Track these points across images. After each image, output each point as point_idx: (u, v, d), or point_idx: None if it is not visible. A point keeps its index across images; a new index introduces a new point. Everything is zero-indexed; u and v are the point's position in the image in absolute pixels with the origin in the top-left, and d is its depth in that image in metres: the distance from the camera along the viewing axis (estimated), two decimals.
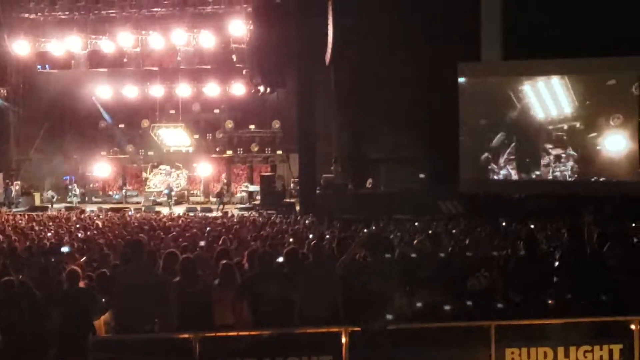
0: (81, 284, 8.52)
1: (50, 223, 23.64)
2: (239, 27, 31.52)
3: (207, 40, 33.00)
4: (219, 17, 30.61)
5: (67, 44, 33.27)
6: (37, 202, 35.61)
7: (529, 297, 8.19)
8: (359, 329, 7.38)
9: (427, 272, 8.60)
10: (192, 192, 37.53)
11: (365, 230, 19.02)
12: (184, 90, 34.63)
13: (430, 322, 7.58)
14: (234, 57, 33.48)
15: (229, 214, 28.76)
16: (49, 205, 33.94)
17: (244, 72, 33.42)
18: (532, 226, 18.70)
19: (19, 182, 35.57)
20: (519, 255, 9.28)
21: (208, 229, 20.71)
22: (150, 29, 31.94)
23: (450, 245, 12.32)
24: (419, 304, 8.10)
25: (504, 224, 20.44)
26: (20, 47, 31.37)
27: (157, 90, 34.94)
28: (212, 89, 34.37)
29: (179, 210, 31.69)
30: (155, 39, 33.05)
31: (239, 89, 34.07)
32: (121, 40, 32.74)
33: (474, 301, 8.02)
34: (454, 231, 17.67)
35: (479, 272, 8.20)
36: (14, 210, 32.39)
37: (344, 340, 7.32)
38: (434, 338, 7.37)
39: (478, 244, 11.05)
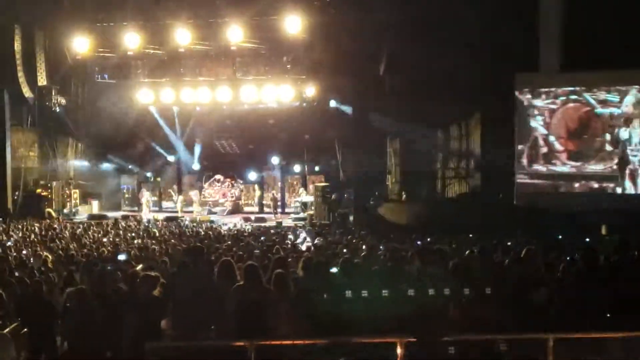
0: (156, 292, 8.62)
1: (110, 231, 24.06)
2: (293, 40, 31.54)
3: (261, 50, 33.13)
4: (275, 27, 30.71)
5: (125, 53, 33.59)
6: (95, 211, 36.28)
7: (587, 310, 8.04)
8: (414, 339, 7.32)
9: (484, 284, 8.51)
10: (246, 202, 37.86)
11: (419, 242, 18.97)
12: (241, 98, 34.53)
13: (487, 334, 7.47)
14: (289, 66, 33.52)
15: (283, 224, 28.96)
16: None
17: (298, 82, 33.58)
18: (587, 239, 18.45)
19: (77, 191, 36.17)
20: (577, 268, 9.13)
21: (262, 238, 20.88)
22: (208, 39, 32.17)
23: (507, 258, 12.16)
24: (476, 315, 8.01)
25: (559, 237, 20.17)
26: (81, 45, 31.69)
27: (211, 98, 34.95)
28: (267, 99, 34.32)
29: (234, 220, 31.92)
30: (212, 48, 33.25)
31: (293, 98, 34.10)
32: (177, 48, 32.85)
33: (533, 314, 7.88)
34: (509, 244, 17.48)
35: (539, 285, 8.06)
36: (74, 219, 33.00)
37: (399, 350, 7.26)
38: (491, 350, 7.27)
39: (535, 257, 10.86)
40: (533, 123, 27.19)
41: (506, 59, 25.85)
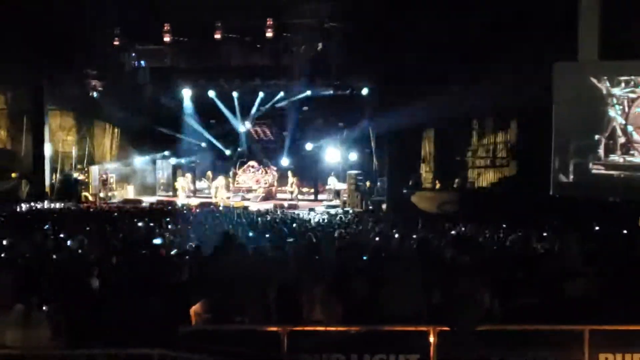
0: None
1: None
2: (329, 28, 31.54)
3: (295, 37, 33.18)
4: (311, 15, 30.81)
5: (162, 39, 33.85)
6: (131, 195, 36.63)
7: (625, 302, 7.95)
8: (447, 328, 7.31)
9: (518, 273, 8.48)
10: (279, 188, 37.92)
11: (452, 232, 18.90)
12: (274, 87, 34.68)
13: (521, 324, 7.43)
14: (320, 46, 33.48)
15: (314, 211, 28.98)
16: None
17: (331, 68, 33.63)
18: (626, 231, 18.22)
19: (113, 175, 36.52)
20: (614, 260, 9.04)
21: (294, 225, 20.91)
22: (244, 27, 32.35)
23: (542, 248, 12.11)
24: (509, 305, 7.96)
25: (597, 228, 19.95)
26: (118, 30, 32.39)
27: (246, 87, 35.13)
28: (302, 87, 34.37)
29: (267, 206, 32.01)
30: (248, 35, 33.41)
31: (327, 86, 34.15)
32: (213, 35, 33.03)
33: (569, 305, 7.81)
34: (545, 234, 17.36)
35: (574, 276, 7.96)
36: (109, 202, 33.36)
37: (432, 339, 7.25)
38: (525, 340, 7.23)
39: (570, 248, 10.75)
40: (611, 112, 26.34)
41: (544, 48, 25.48)
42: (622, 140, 26.12)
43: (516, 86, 26.73)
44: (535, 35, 25.40)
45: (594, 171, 26.41)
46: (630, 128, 26.05)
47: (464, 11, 26.64)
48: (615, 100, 26.06)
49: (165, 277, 9.01)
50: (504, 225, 20.41)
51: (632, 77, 25.75)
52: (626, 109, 26.04)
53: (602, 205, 24.49)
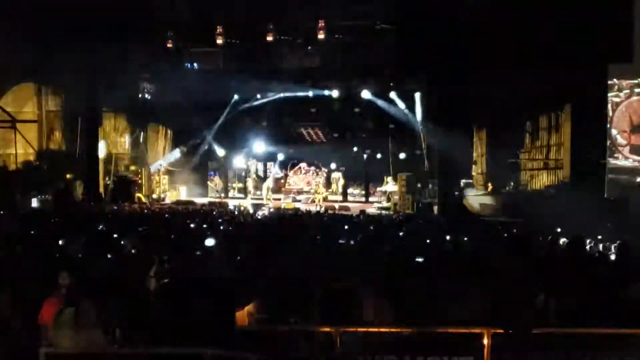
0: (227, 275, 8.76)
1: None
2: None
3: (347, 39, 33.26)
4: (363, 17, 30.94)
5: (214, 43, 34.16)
6: (183, 196, 36.93)
7: None
8: (501, 331, 7.22)
9: (572, 275, 8.36)
10: (329, 190, 37.91)
11: (505, 234, 18.70)
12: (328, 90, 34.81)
13: (576, 327, 7.31)
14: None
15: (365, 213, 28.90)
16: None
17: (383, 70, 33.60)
18: None
19: (166, 177, 36.91)
20: None
21: (346, 227, 20.86)
22: (295, 29, 32.54)
23: (597, 250, 11.92)
24: (564, 308, 7.84)
25: None
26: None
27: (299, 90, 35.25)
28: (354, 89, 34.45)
29: (317, 209, 32.05)
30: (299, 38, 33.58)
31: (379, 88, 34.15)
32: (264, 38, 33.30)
33: (624, 308, 7.66)
34: (599, 237, 17.07)
35: (630, 279, 7.81)
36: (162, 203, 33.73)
37: (485, 341, 7.17)
38: (582, 344, 7.11)
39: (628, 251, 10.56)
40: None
41: (599, 49, 25.09)
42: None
43: (572, 88, 26.42)
44: (592, 36, 25.03)
45: None
46: (614, 131, 25.82)
47: (515, 12, 26.33)
48: None
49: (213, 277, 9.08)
50: (558, 229, 20.13)
51: (616, 82, 25.63)
52: (610, 113, 25.84)
53: None
